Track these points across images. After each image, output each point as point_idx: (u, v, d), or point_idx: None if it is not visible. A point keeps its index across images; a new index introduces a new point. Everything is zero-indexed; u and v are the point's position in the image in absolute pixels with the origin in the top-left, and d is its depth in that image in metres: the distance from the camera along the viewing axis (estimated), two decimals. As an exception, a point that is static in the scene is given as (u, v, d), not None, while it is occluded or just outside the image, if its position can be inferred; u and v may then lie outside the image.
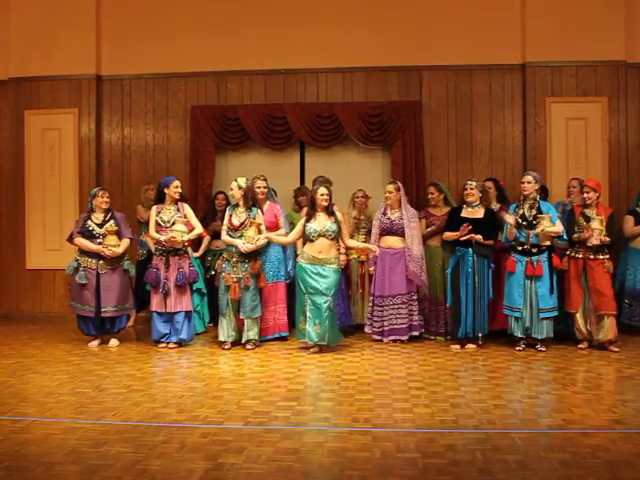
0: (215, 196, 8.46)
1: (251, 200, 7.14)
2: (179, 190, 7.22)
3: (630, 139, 8.63)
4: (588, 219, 6.88)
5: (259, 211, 7.15)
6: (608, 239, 6.83)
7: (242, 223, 7.00)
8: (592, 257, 6.88)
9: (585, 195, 6.98)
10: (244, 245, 6.90)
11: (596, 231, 6.79)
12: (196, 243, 7.96)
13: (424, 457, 3.85)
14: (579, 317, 6.97)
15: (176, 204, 7.26)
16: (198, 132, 9.09)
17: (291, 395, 5.22)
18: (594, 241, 6.77)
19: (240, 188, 7.04)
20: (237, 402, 5.02)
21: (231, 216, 7.09)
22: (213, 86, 9.21)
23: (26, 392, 5.47)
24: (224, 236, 7.16)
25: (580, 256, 6.93)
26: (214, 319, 8.19)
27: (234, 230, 7.01)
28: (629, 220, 7.59)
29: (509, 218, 6.96)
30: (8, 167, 9.47)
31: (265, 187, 7.56)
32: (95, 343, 7.22)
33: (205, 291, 7.87)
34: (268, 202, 7.60)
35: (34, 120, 9.32)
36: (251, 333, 7.04)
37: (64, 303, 9.19)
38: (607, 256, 6.91)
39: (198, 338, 7.61)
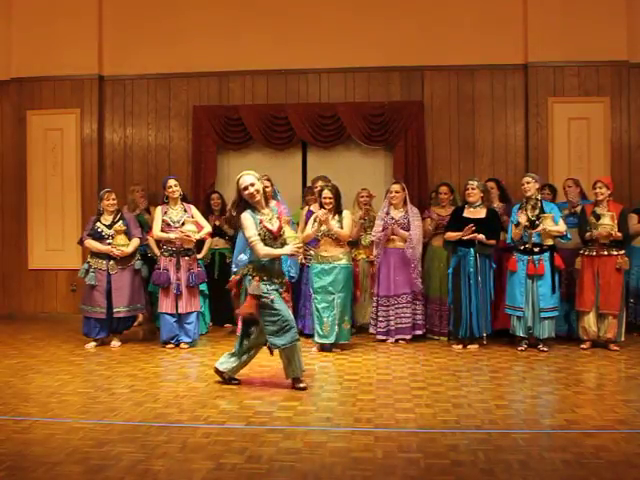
0: (210, 196, 8.48)
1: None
2: (175, 189, 7.19)
3: (632, 139, 8.63)
4: (599, 217, 6.87)
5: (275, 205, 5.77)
6: (620, 234, 6.82)
7: (280, 227, 5.50)
8: (606, 254, 6.87)
9: (597, 190, 6.95)
10: (293, 247, 5.42)
11: (607, 227, 6.77)
12: (198, 244, 7.95)
13: (426, 457, 3.85)
14: (591, 316, 6.93)
15: (182, 205, 7.27)
16: (200, 132, 9.09)
17: (293, 395, 5.21)
18: (603, 233, 6.75)
19: (260, 181, 5.48)
20: (239, 402, 5.02)
21: (262, 221, 5.37)
22: (215, 86, 9.22)
23: (28, 392, 5.47)
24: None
25: (594, 254, 6.92)
26: (221, 319, 8.23)
27: (274, 239, 5.40)
28: (633, 218, 7.57)
29: (521, 218, 6.89)
30: (10, 167, 9.49)
31: (268, 187, 7.55)
32: (92, 345, 7.22)
33: (207, 293, 7.87)
34: (273, 202, 7.59)
35: (36, 120, 9.34)
36: None
37: (66, 303, 9.24)
38: (622, 252, 6.90)
39: (205, 338, 7.68)
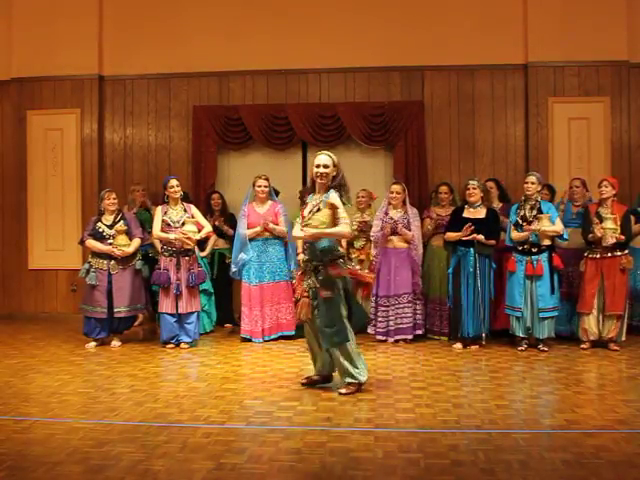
0: (210, 196, 8.49)
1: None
2: (176, 189, 7.17)
3: (632, 139, 8.62)
4: (602, 219, 6.86)
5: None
6: (623, 237, 6.81)
7: (309, 212, 5.31)
8: (609, 255, 6.87)
9: (603, 189, 6.94)
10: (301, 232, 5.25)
11: (610, 230, 6.76)
12: (201, 242, 7.96)
13: (426, 457, 3.85)
14: (591, 318, 6.92)
15: (182, 204, 7.27)
16: (200, 132, 9.09)
17: (293, 395, 5.22)
18: (609, 240, 6.75)
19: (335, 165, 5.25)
20: (239, 402, 5.02)
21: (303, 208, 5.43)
22: (215, 86, 9.22)
23: (28, 392, 5.47)
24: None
25: (597, 256, 6.91)
26: (221, 319, 8.24)
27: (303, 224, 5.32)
28: (631, 220, 7.57)
29: (534, 225, 6.85)
30: (10, 167, 9.49)
31: (266, 186, 7.60)
32: (92, 344, 7.22)
33: (212, 291, 7.90)
34: (270, 201, 7.64)
35: (36, 120, 9.34)
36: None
37: (66, 303, 9.24)
38: (625, 252, 6.89)
39: (205, 338, 7.66)
